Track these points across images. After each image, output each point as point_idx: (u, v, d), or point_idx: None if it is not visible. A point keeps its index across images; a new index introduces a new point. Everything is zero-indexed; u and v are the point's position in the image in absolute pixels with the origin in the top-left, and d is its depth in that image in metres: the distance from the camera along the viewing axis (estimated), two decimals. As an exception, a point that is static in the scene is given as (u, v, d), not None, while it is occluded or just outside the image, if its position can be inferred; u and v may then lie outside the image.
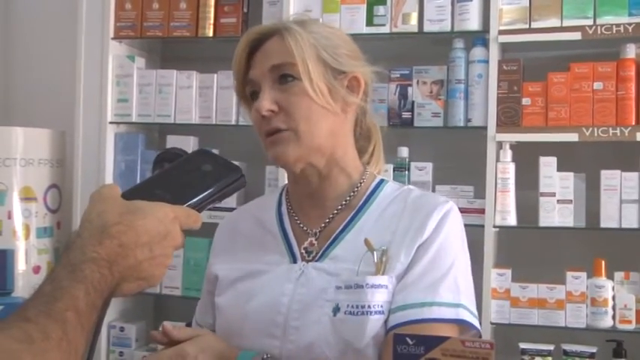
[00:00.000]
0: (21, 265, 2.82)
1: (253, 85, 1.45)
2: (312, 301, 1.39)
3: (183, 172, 1.04)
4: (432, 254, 1.39)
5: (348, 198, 1.48)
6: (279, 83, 1.41)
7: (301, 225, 1.50)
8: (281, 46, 1.41)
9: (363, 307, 1.34)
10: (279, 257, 1.48)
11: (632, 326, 2.56)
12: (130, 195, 0.97)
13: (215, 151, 3.16)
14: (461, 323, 1.37)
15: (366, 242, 1.39)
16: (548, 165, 2.66)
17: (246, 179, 1.08)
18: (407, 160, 2.80)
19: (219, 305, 1.51)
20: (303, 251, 1.47)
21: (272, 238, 1.50)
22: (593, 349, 2.57)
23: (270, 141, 1.41)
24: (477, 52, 2.73)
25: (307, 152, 1.41)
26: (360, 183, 1.50)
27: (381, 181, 1.52)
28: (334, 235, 1.45)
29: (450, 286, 1.38)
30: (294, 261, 1.46)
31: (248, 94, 1.47)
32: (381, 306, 1.35)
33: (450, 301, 1.36)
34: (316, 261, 1.44)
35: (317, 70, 1.40)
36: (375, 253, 1.39)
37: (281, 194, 1.57)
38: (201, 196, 1.01)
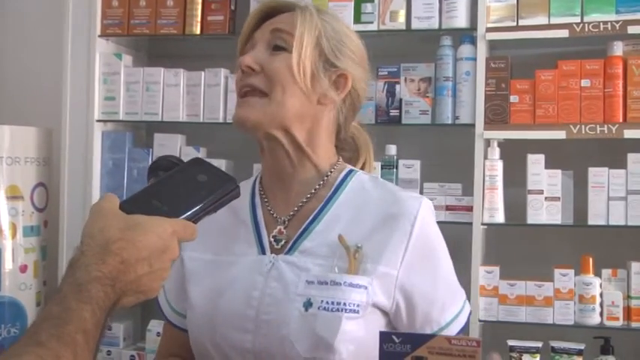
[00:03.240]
0: (8, 264, 2.80)
1: (251, 45, 1.48)
2: (284, 295, 1.40)
3: (179, 183, 1.05)
4: (437, 267, 1.47)
5: (317, 187, 1.49)
6: (272, 49, 1.44)
7: (272, 212, 1.50)
8: (289, 18, 1.46)
9: (338, 303, 1.36)
10: (247, 247, 1.48)
11: (619, 323, 2.57)
12: (128, 206, 0.99)
13: (203, 150, 3.15)
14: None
15: (340, 239, 1.41)
16: (536, 162, 2.66)
17: (240, 190, 1.09)
18: (395, 157, 2.79)
19: (191, 299, 1.50)
20: (271, 239, 1.47)
21: (244, 226, 1.51)
22: (581, 346, 2.57)
23: (240, 103, 1.44)
24: (465, 49, 2.73)
25: (269, 121, 1.42)
26: (330, 173, 1.50)
27: (350, 171, 1.53)
28: (303, 226, 1.46)
29: (457, 285, 1.52)
30: (263, 252, 1.46)
31: None
32: (357, 305, 1.37)
33: (463, 304, 1.50)
34: (286, 254, 1.44)
35: (309, 52, 1.43)
36: (349, 249, 1.40)
37: (254, 182, 1.57)
38: (197, 208, 1.02)
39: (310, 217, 1.46)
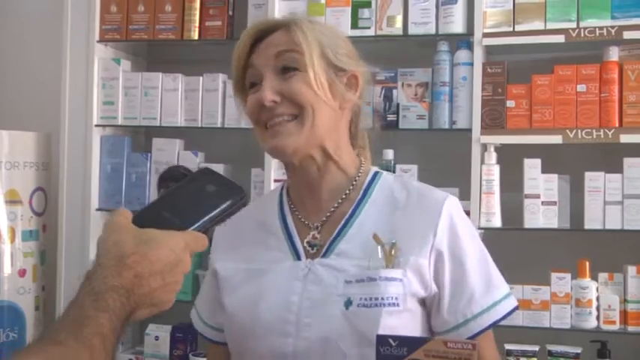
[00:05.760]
0: (6, 268, 2.81)
1: (254, 71, 1.46)
2: (323, 297, 1.42)
3: (189, 193, 1.07)
4: (465, 257, 1.46)
5: (347, 192, 1.50)
6: (281, 73, 1.43)
7: (302, 219, 1.52)
8: (287, 37, 1.44)
9: (376, 299, 1.39)
10: (282, 255, 1.49)
11: (616, 327, 2.58)
12: (140, 220, 1.01)
13: (201, 154, 3.15)
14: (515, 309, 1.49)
15: (375, 238, 1.43)
16: (532, 167, 2.67)
17: (247, 198, 1.10)
18: (392, 162, 2.80)
19: (228, 309, 1.51)
20: (306, 245, 1.48)
21: (274, 237, 1.52)
22: (578, 350, 2.58)
23: (272, 133, 1.43)
24: (462, 54, 2.74)
25: (306, 143, 1.43)
26: (358, 177, 1.52)
27: (376, 173, 1.55)
28: (337, 229, 1.47)
29: (496, 280, 1.50)
30: (298, 257, 1.47)
31: (247, 84, 1.48)
32: (396, 298, 1.39)
33: (503, 295, 1.48)
34: (322, 257, 1.46)
35: (320, 65, 1.42)
36: (384, 247, 1.42)
37: (281, 193, 1.58)
38: (206, 219, 1.04)
39: (343, 220, 1.48)
